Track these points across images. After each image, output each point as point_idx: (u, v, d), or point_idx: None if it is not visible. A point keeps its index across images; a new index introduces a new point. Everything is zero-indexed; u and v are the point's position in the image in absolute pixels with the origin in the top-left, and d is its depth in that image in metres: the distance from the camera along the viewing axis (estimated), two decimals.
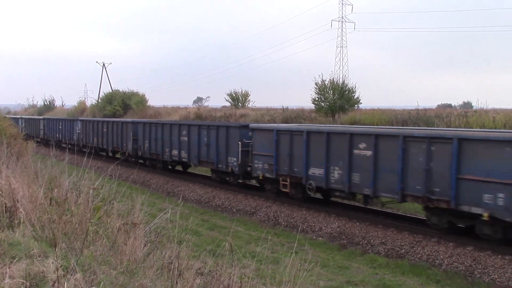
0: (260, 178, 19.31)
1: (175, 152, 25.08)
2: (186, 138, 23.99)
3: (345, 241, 14.70)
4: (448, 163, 12.50)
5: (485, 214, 11.72)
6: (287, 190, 18.07)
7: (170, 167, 27.57)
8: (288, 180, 17.81)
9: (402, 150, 13.60)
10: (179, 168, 27.92)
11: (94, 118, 41.64)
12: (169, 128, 25.51)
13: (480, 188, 11.82)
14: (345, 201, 17.44)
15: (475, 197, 11.92)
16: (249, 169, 20.10)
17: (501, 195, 11.41)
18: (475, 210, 11.97)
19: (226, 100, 48.82)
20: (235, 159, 20.60)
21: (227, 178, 21.96)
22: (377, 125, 26.61)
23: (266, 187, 19.62)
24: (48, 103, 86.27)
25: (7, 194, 7.11)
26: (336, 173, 15.86)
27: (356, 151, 15.00)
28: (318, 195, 18.23)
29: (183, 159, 24.61)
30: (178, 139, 24.59)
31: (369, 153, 14.59)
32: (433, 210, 13.54)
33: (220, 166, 21.68)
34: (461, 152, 12.27)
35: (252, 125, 20.59)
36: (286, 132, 17.97)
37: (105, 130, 33.27)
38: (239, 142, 20.11)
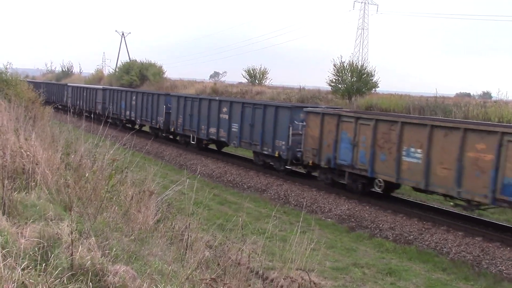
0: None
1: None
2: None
3: (354, 224, 14.75)
4: None
5: None
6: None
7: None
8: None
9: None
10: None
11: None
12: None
13: None
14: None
15: None
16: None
17: None
18: None
19: (243, 76, 48.58)
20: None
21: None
22: (394, 110, 26.40)
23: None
24: (66, 69, 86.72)
25: (25, 156, 7.23)
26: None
27: None
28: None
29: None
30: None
31: None
32: None
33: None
34: None
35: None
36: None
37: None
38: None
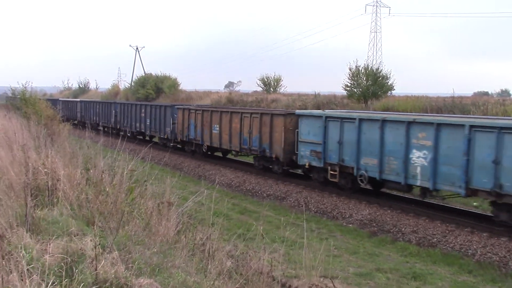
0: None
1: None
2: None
3: (376, 229, 14.61)
4: None
5: None
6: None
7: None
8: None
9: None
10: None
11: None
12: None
13: None
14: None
15: None
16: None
17: None
18: None
19: (258, 85, 48.78)
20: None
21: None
22: (411, 112, 26.18)
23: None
24: (83, 85, 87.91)
25: (48, 173, 7.33)
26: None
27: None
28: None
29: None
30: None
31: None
32: None
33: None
34: None
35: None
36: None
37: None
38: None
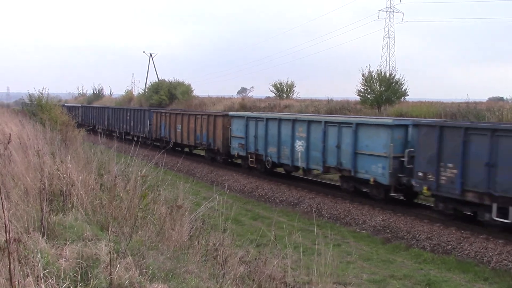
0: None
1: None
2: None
3: (389, 235, 14.50)
4: None
5: None
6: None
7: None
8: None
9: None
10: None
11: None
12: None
13: None
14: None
15: None
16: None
17: None
18: None
19: (271, 91, 48.77)
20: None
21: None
22: (425, 118, 26.00)
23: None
24: (97, 92, 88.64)
25: (63, 179, 7.41)
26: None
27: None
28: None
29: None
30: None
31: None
32: None
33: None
34: None
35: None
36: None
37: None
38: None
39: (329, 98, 39.51)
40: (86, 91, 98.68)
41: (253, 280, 6.22)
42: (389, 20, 68.73)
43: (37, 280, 4.00)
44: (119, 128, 39.19)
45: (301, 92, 61.90)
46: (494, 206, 12.52)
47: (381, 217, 15.66)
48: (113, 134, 36.47)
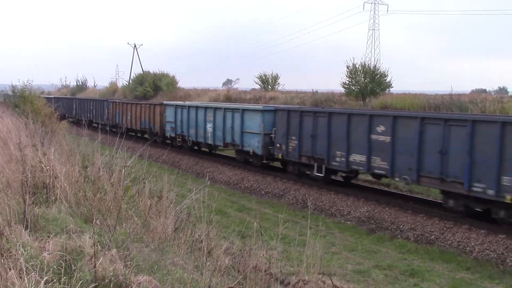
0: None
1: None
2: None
3: (374, 226, 14.63)
4: None
5: None
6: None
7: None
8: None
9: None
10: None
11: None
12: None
13: None
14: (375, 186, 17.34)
15: None
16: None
17: None
18: None
19: (256, 83, 48.74)
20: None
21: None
22: (408, 109, 26.20)
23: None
24: (80, 83, 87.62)
25: (46, 171, 7.32)
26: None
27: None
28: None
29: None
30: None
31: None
32: None
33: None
34: None
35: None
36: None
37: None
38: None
39: (314, 90, 39.59)
40: (70, 82, 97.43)
41: (238, 271, 6.23)
42: (374, 12, 68.92)
43: (20, 273, 3.95)
44: (85, 117, 42.66)
45: (287, 84, 62.01)
46: (315, 166, 18.10)
47: (366, 208, 15.78)
48: (80, 122, 39.31)
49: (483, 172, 12.39)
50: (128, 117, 34.23)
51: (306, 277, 6.51)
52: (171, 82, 54.99)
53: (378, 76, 32.70)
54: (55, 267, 4.43)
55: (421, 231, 13.61)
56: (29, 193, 6.22)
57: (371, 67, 33.22)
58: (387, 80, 33.24)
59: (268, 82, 47.46)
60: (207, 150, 27.29)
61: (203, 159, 26.07)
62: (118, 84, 79.24)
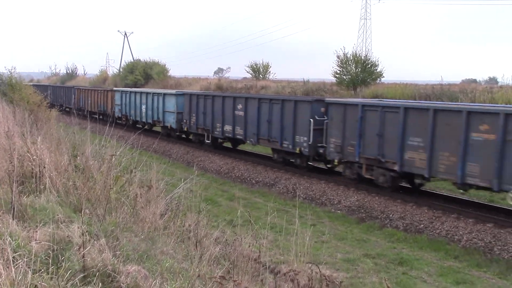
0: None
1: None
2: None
3: (364, 215, 14.72)
4: None
5: None
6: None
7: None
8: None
9: None
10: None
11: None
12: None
13: None
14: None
15: None
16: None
17: None
18: None
19: (247, 72, 48.59)
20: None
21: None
22: (399, 99, 26.24)
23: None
24: (70, 71, 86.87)
25: (34, 160, 7.26)
26: None
27: None
28: None
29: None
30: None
31: None
32: None
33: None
34: None
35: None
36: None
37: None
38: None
39: (305, 80, 39.54)
40: (59, 70, 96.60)
41: (228, 260, 6.24)
42: (366, 1, 68.69)
43: (7, 263, 3.92)
44: (57, 102, 47.13)
45: (278, 73, 61.83)
46: (205, 135, 24.51)
47: (356, 197, 15.86)
48: (55, 107, 41.95)
49: (287, 134, 18.82)
50: (89, 102, 40.62)
51: (295, 266, 6.55)
52: (162, 70, 54.69)
53: (369, 65, 32.71)
54: (43, 257, 4.40)
55: (410, 220, 13.72)
56: (17, 182, 6.17)
57: (362, 57, 33.21)
58: (378, 70, 33.27)
59: (259, 71, 47.35)
60: (141, 126, 31.34)
61: (193, 148, 26.02)
62: (108, 73, 78.64)
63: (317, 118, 17.53)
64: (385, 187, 15.56)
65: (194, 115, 24.98)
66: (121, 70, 64.72)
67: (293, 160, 19.60)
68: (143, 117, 30.74)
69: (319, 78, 42.60)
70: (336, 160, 17.35)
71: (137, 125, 32.01)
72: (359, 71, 32.35)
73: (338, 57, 33.13)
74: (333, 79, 34.60)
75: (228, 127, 22.63)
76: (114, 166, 8.51)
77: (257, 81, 44.04)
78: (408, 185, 16.03)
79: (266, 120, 20.10)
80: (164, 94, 28.34)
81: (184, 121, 25.95)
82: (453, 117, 13.06)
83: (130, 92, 33.07)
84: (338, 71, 33.21)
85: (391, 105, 15.44)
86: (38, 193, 6.81)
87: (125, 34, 76.53)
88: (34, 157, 7.19)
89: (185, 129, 26.26)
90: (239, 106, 21.73)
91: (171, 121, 27.40)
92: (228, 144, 25.40)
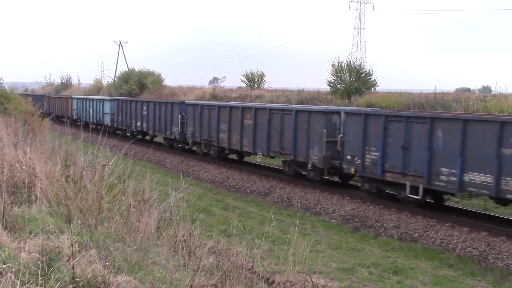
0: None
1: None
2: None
3: (358, 224, 14.69)
4: None
5: None
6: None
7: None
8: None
9: None
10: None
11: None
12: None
13: None
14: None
15: None
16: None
17: None
18: None
19: (242, 81, 48.68)
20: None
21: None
22: (394, 108, 26.33)
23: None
24: (65, 81, 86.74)
25: (25, 170, 7.20)
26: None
27: None
28: None
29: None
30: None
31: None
32: None
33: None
34: None
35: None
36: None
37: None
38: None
39: (300, 89, 39.65)
40: (54, 80, 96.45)
41: (221, 270, 6.18)
42: (360, 11, 69.20)
43: None
44: (40, 110, 52.46)
45: (273, 83, 61.96)
46: (126, 129, 32.58)
47: (350, 206, 15.84)
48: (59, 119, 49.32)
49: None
50: (56, 107, 49.09)
51: (292, 277, 6.50)
52: (157, 80, 54.67)
53: (364, 74, 32.83)
54: (32, 268, 4.35)
55: (405, 229, 13.70)
56: (7, 192, 6.11)
57: (356, 66, 33.35)
58: (372, 79, 33.40)
59: (254, 80, 47.44)
60: (93, 126, 36.86)
61: (188, 158, 25.96)
62: (103, 82, 78.54)
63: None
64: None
65: (120, 115, 33.21)
66: (115, 79, 64.66)
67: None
68: (91, 118, 38.43)
69: (313, 87, 42.71)
70: (115, 125, 34.96)
71: (91, 126, 37.16)
72: (353, 80, 32.46)
73: (332, 66, 33.28)
74: (328, 88, 34.70)
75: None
76: (106, 176, 8.44)
77: (251, 90, 44.11)
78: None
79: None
80: (103, 100, 37.08)
81: (115, 120, 34.25)
82: (98, 102, 39.14)
83: (83, 99, 41.85)
84: (333, 80, 33.32)
85: (82, 98, 41.10)
86: (29, 203, 6.75)
87: (120, 43, 76.72)
88: (24, 167, 7.14)
89: (115, 126, 34.18)
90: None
91: (107, 120, 35.42)
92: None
